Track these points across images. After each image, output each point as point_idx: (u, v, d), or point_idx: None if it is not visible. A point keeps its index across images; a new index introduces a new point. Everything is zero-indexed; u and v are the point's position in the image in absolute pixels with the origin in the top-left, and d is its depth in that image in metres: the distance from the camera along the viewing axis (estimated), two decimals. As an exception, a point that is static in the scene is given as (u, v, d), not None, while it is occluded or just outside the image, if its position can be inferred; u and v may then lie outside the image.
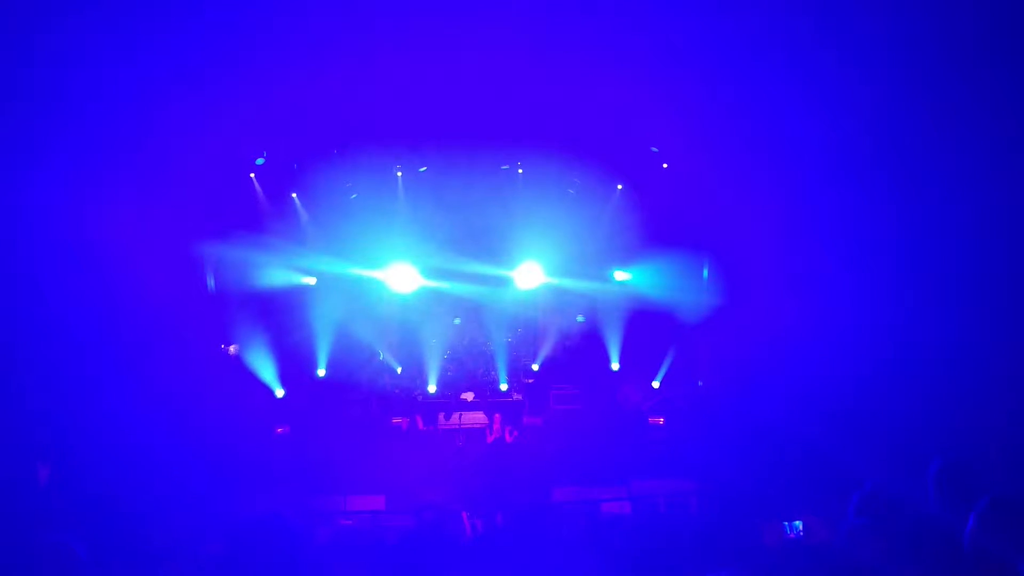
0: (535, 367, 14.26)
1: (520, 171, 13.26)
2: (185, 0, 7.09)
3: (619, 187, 13.36)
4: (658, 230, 13.39)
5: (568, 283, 13.57)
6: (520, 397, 13.38)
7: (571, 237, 12.64)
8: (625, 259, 13.53)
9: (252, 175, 12.50)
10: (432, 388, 13.14)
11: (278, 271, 12.97)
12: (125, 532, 6.52)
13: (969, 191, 6.77)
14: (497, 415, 10.57)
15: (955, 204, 6.91)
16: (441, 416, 12.40)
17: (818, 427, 8.31)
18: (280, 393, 12.33)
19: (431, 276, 13.35)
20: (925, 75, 6.70)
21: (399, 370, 13.68)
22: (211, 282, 10.81)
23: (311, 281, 13.90)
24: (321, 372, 13.17)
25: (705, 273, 11.43)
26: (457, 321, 14.00)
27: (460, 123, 10.72)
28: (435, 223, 13.22)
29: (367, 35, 7.98)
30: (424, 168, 12.87)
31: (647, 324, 13.19)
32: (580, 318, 14.11)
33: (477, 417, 12.06)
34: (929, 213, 7.22)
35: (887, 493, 3.79)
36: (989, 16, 6.01)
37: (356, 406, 13.48)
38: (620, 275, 13.91)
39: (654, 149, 12.24)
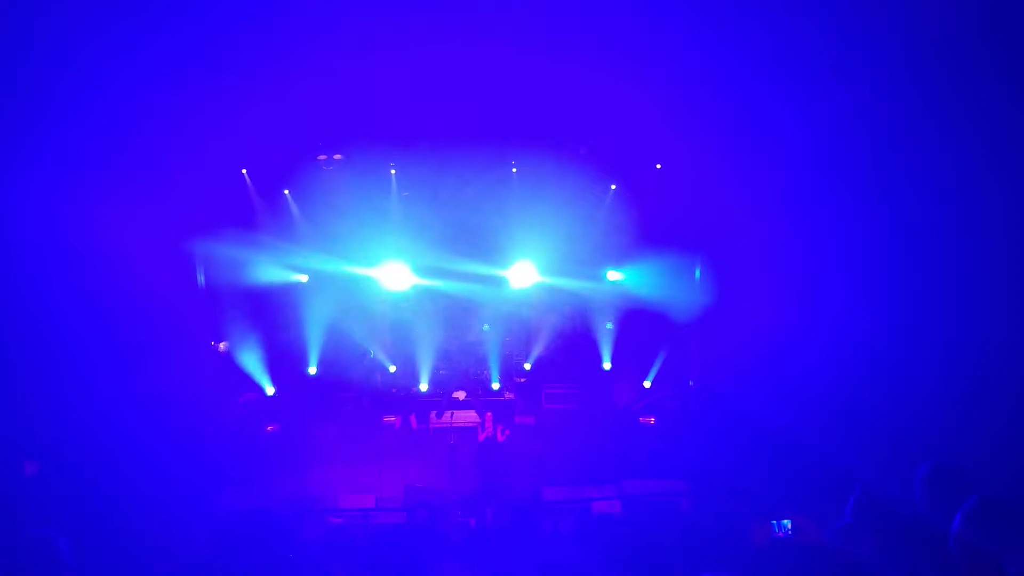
0: (527, 366, 14.27)
1: (514, 170, 13.27)
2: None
3: (612, 187, 13.39)
4: (651, 230, 13.41)
5: (562, 282, 13.58)
6: (512, 396, 13.38)
7: (565, 237, 12.65)
8: (618, 259, 13.56)
9: (244, 171, 12.45)
10: (424, 386, 13.14)
11: (270, 268, 12.93)
12: (114, 528, 6.49)
13: (963, 191, 6.79)
14: (489, 414, 10.55)
15: (949, 204, 6.93)
16: (433, 414, 12.40)
17: (808, 427, 8.34)
18: (271, 391, 12.29)
19: (424, 274, 13.33)
20: (920, 74, 6.72)
21: (392, 369, 13.66)
22: (201, 279, 10.76)
23: (303, 279, 13.86)
24: (312, 370, 13.13)
25: (697, 273, 11.45)
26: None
27: (454, 121, 10.69)
28: (429, 221, 13.21)
29: (361, 31, 7.95)
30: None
31: (639, 324, 13.21)
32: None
33: (469, 416, 12.06)
34: (922, 213, 7.25)
35: (877, 494, 3.80)
36: (984, 19, 6.03)
37: (347, 404, 13.46)
38: (613, 275, 13.93)
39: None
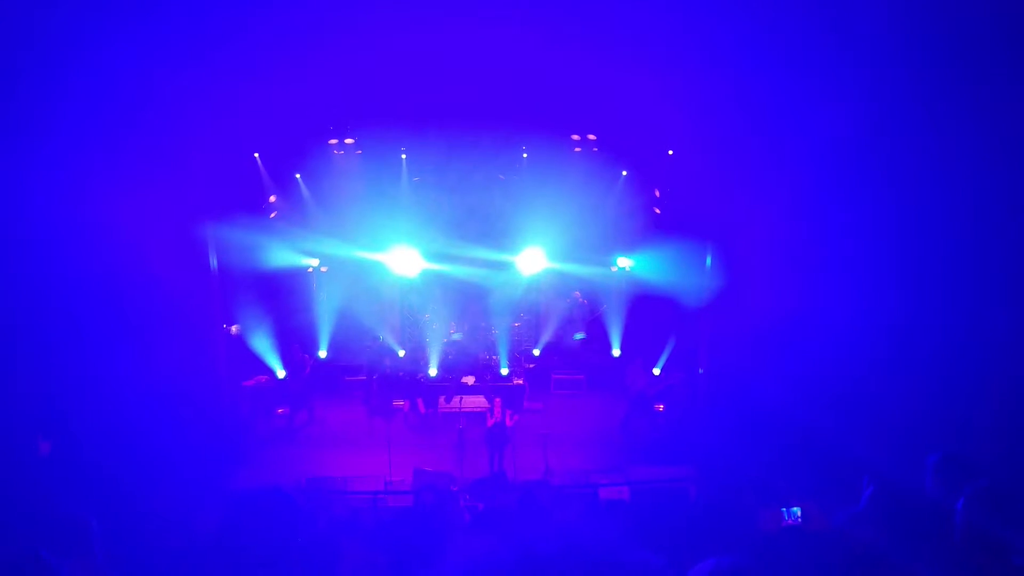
0: (536, 352, 14.30)
1: (524, 155, 13.23)
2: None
3: (624, 173, 13.32)
4: (662, 217, 13.35)
5: (571, 268, 13.57)
6: (521, 382, 13.42)
7: (575, 223, 12.61)
8: (628, 245, 13.51)
9: (256, 155, 12.47)
10: (433, 371, 13.18)
11: (281, 252, 12.98)
12: (127, 509, 6.57)
13: (971, 185, 6.74)
14: (497, 399, 10.59)
15: (957, 197, 6.88)
16: (442, 399, 12.45)
17: (818, 415, 8.31)
18: (281, 374, 12.37)
19: (434, 260, 13.35)
20: (927, 71, 6.66)
21: (401, 353, 13.72)
22: (214, 262, 10.80)
23: (314, 263, 13.91)
24: (323, 354, 13.20)
25: (708, 260, 11.39)
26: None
27: (465, 106, 10.65)
28: (438, 206, 13.21)
29: (373, 15, 7.92)
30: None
31: (649, 311, 13.18)
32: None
33: (478, 401, 12.10)
34: (931, 205, 7.19)
35: (889, 483, 3.80)
36: (990, 16, 5.97)
37: (356, 388, 13.53)
38: (623, 261, 13.89)
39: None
